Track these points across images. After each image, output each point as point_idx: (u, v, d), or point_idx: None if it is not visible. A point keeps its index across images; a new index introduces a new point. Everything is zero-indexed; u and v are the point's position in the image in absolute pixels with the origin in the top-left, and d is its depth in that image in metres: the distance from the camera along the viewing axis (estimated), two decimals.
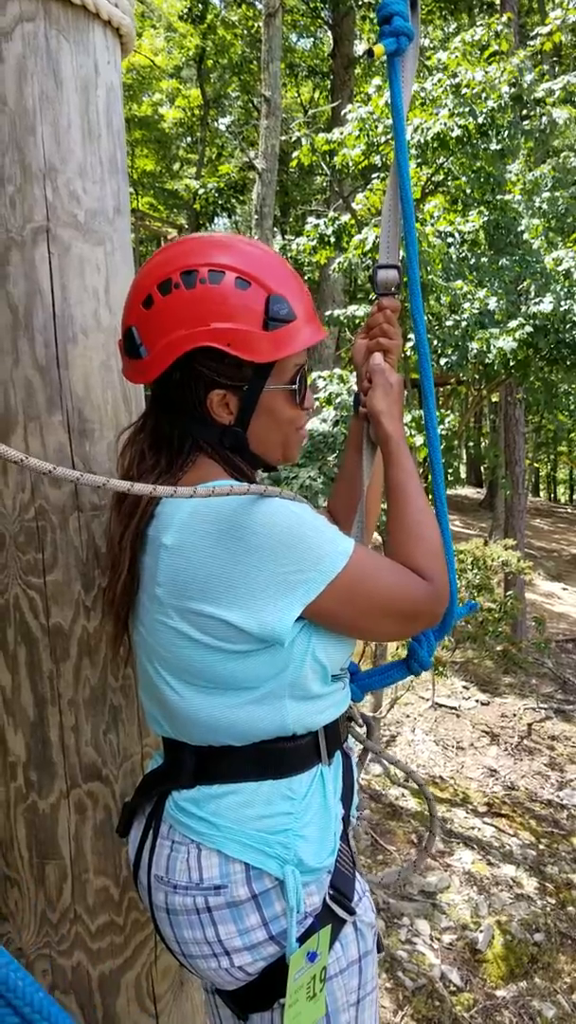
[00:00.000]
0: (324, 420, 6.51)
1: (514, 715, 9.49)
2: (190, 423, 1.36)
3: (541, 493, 35.69)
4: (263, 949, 1.31)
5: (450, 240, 7.35)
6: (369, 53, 1.56)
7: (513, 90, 6.91)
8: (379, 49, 1.50)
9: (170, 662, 1.32)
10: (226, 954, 1.31)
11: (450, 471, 7.33)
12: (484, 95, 6.59)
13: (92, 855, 1.61)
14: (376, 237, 6.81)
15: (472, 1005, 5.19)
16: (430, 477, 1.58)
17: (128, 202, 1.68)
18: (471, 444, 22.01)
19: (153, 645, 1.34)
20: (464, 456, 24.20)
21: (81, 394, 1.55)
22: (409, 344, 6.60)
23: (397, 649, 7.33)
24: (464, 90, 6.61)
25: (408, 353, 6.89)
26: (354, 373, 1.70)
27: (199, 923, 1.31)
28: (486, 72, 6.73)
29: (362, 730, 1.61)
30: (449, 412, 7.78)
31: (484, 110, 6.61)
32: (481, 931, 5.75)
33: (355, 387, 1.66)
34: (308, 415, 1.47)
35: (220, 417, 1.35)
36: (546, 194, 8.26)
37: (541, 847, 7.13)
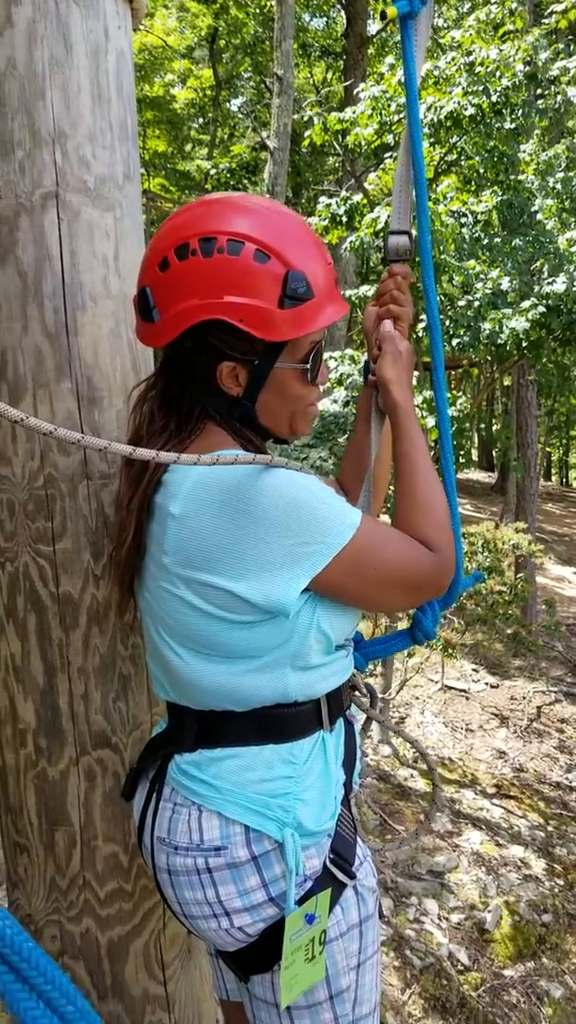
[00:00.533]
0: (335, 401, 6.50)
1: (523, 698, 9.49)
2: (199, 391, 1.36)
3: (553, 478, 35.58)
4: (263, 910, 1.32)
5: (463, 220, 7.29)
6: (382, 15, 1.54)
7: (528, 68, 6.83)
8: (392, 11, 1.48)
9: (175, 629, 1.32)
10: (226, 915, 1.32)
11: (462, 452, 7.30)
12: (498, 73, 6.52)
13: (101, 822, 1.61)
14: (388, 216, 6.76)
15: (480, 984, 5.21)
16: (439, 453, 1.57)
17: (139, 169, 1.67)
18: (483, 426, 21.92)
19: (158, 611, 1.35)
20: (476, 440, 24.12)
21: (90, 361, 1.54)
22: (421, 326, 6.56)
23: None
24: (478, 68, 6.53)
25: (420, 334, 6.86)
26: (366, 353, 1.68)
27: (199, 884, 1.32)
28: (500, 50, 6.66)
29: (365, 699, 1.61)
30: (461, 394, 7.75)
31: (498, 89, 6.54)
32: (489, 911, 5.77)
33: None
34: (320, 392, 1.45)
35: (229, 389, 1.34)
36: (560, 174, 8.18)
37: (550, 828, 7.15)
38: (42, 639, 1.58)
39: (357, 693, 1.59)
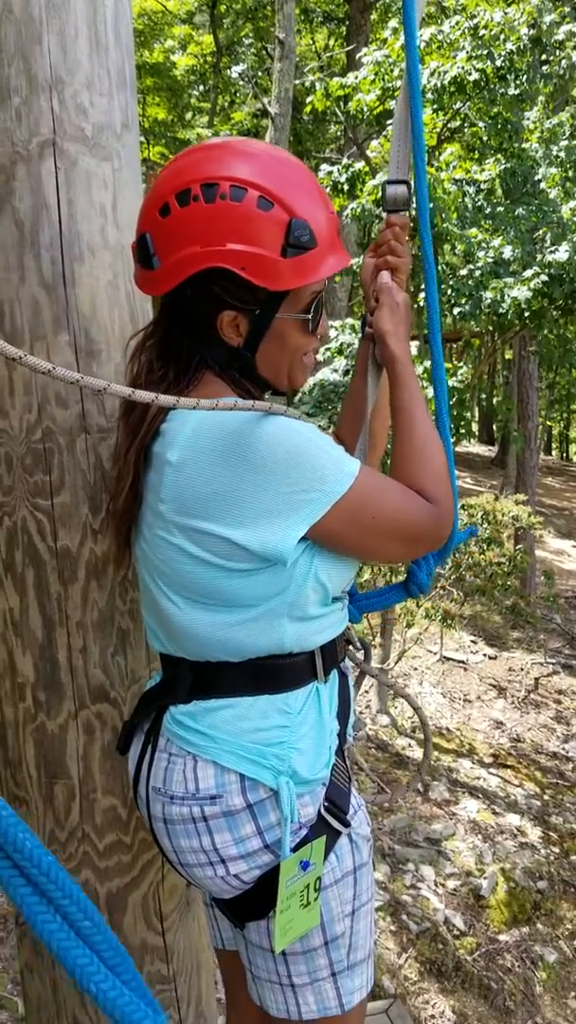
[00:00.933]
0: (335, 370, 6.47)
1: (521, 669, 9.53)
2: (198, 341, 1.35)
3: (553, 452, 35.53)
4: (258, 857, 1.33)
5: (466, 189, 7.22)
6: None
7: (532, 32, 6.73)
8: None
9: (171, 578, 1.32)
10: (222, 862, 1.33)
11: (462, 424, 7.27)
12: (503, 37, 6.42)
13: (100, 775, 1.62)
14: None
15: (475, 949, 5.28)
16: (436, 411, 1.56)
17: (137, 118, 1.65)
18: (483, 397, 21.84)
19: (154, 561, 1.34)
20: (476, 412, 24.04)
21: (88, 313, 1.53)
22: (421, 296, 6.51)
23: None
24: (482, 32, 6.44)
25: (421, 304, 6.81)
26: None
27: (195, 832, 1.33)
28: (505, 13, 6.56)
29: (359, 653, 1.61)
30: (462, 365, 7.71)
31: (502, 53, 6.45)
32: (485, 878, 5.83)
33: None
34: (319, 343, 1.44)
35: (230, 339, 1.33)
36: (564, 142, 8.09)
37: (546, 798, 7.20)
38: (40, 593, 1.57)
39: (351, 647, 1.59)
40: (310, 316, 1.34)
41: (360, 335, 1.59)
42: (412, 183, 1.54)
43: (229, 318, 1.31)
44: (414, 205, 1.53)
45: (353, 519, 1.26)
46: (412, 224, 1.62)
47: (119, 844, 1.65)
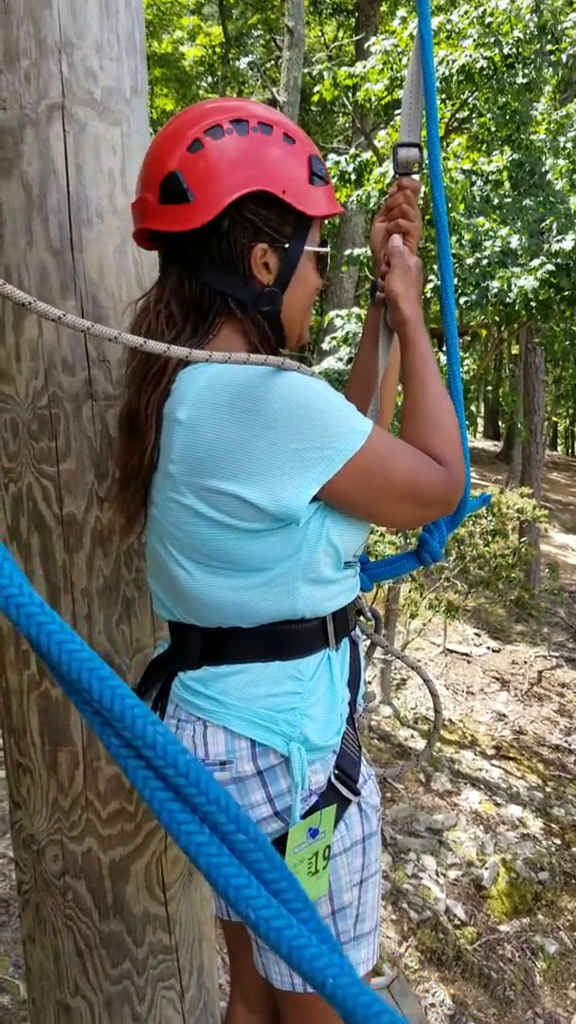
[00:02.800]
0: (340, 359, 6.46)
1: (524, 662, 9.53)
2: (226, 280, 1.33)
3: (559, 448, 35.48)
4: (268, 825, 1.32)
5: (473, 179, 7.20)
6: None
7: (538, 19, 6.70)
8: None
9: (182, 541, 1.31)
10: None
11: (467, 417, 7.25)
12: (511, 24, 6.40)
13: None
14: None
15: (475, 938, 5.28)
16: (446, 371, 1.55)
17: (146, 84, 1.64)
18: (489, 389, 21.77)
19: (165, 525, 1.33)
20: (482, 408, 23.99)
21: (95, 279, 1.52)
22: (430, 286, 6.50)
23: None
24: (488, 20, 6.42)
25: (428, 295, 6.79)
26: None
27: None
28: (512, 1, 6.54)
29: (370, 624, 1.61)
30: (467, 356, 7.69)
31: (510, 41, 6.42)
32: (486, 868, 5.83)
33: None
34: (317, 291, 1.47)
35: (260, 275, 1.33)
36: (572, 133, 8.06)
37: (548, 790, 7.21)
38: (46, 560, 1.57)
39: (362, 617, 1.59)
40: (327, 249, 1.41)
41: (371, 299, 1.59)
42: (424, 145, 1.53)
43: (261, 252, 1.32)
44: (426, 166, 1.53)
45: (365, 479, 1.26)
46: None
47: (122, 812, 1.65)
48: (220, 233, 1.30)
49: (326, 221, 1.43)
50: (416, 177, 1.55)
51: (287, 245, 1.33)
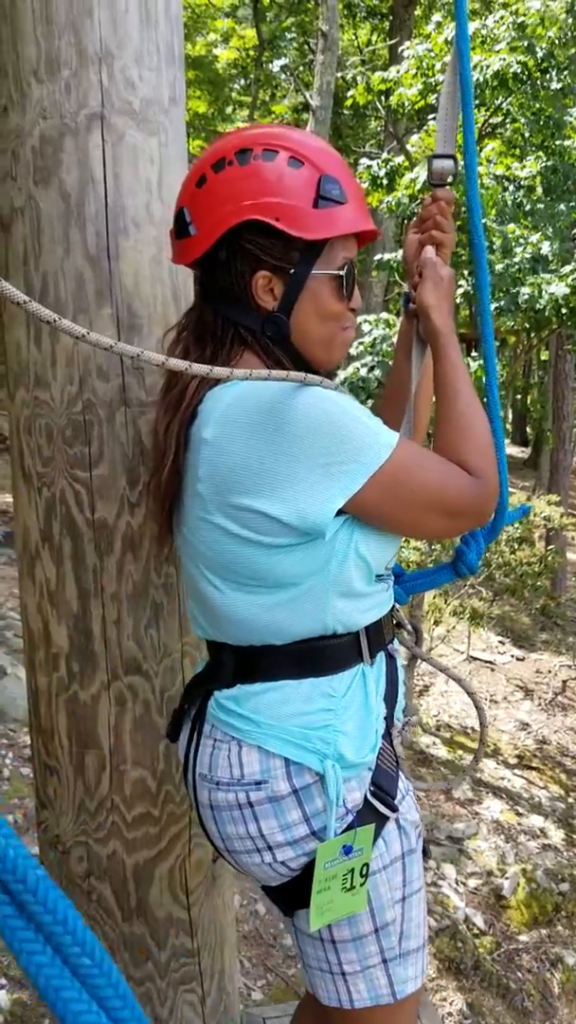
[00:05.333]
0: (366, 365, 6.45)
1: (549, 671, 9.46)
2: (233, 309, 1.34)
3: None
4: (305, 844, 1.31)
5: (506, 184, 7.16)
6: None
7: (573, 20, 6.67)
8: None
9: (212, 560, 1.31)
10: (268, 849, 1.31)
11: None
12: (544, 26, 6.38)
13: (130, 746, 1.63)
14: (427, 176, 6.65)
15: (494, 948, 5.25)
16: (484, 379, 1.54)
17: (184, 94, 1.65)
18: (518, 396, 21.63)
19: (196, 544, 1.33)
20: (510, 414, 23.84)
21: (131, 288, 1.54)
22: (460, 291, 6.47)
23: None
24: (520, 19, 6.40)
25: (458, 302, 6.76)
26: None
27: (241, 818, 1.32)
28: (547, 5, 6.51)
29: (410, 637, 1.60)
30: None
31: (543, 45, 6.40)
32: (507, 878, 5.80)
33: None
34: (355, 317, 1.44)
35: (264, 302, 1.33)
36: None
37: (570, 800, 7.15)
38: (77, 564, 1.59)
39: (401, 629, 1.58)
40: (342, 274, 1.35)
41: (404, 310, 1.59)
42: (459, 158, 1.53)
43: (264, 280, 1.31)
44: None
45: (392, 492, 1.25)
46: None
47: (147, 816, 1.66)
48: (220, 264, 1.32)
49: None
50: (450, 189, 1.55)
51: (292, 270, 1.31)
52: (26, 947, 0.64)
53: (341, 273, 1.35)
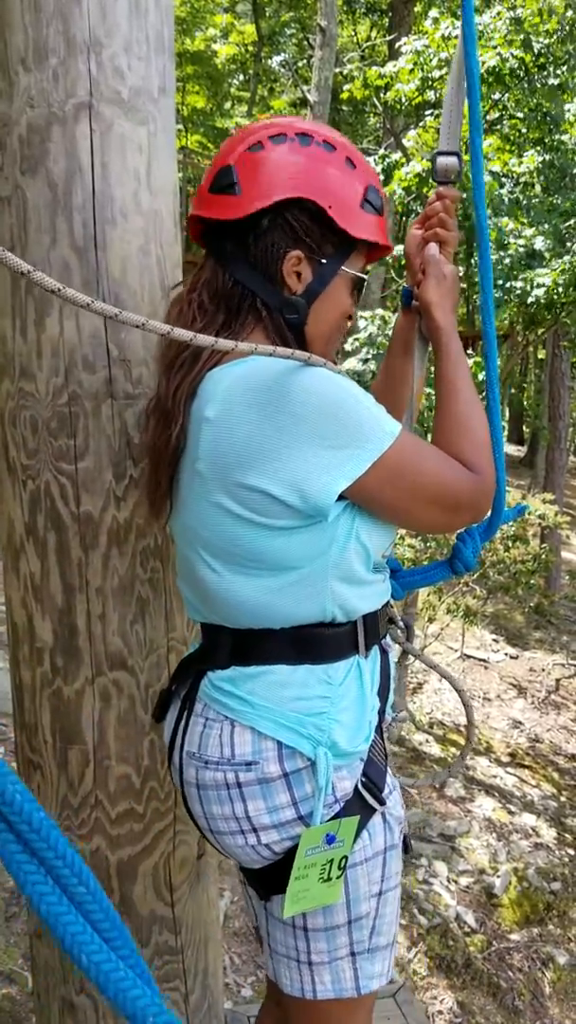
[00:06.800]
0: (361, 360, 6.46)
1: (542, 670, 9.47)
2: (255, 279, 1.34)
3: None
4: (290, 828, 1.31)
5: (503, 180, 7.16)
6: None
7: (570, 15, 6.66)
8: None
9: (211, 542, 1.30)
10: (253, 831, 1.31)
11: None
12: (541, 18, 6.38)
13: (115, 742, 1.62)
14: (423, 170, 6.65)
15: (485, 947, 5.26)
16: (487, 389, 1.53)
17: (174, 84, 1.64)
18: (513, 391, 21.66)
19: (194, 527, 1.32)
20: (506, 412, 23.85)
21: (118, 278, 1.52)
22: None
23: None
24: (518, 11, 6.40)
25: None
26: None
27: (228, 798, 1.31)
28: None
29: (402, 633, 1.60)
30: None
31: (540, 40, 6.39)
32: (498, 876, 5.80)
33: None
34: (353, 318, 1.46)
35: (290, 282, 1.33)
36: None
37: (562, 799, 7.16)
38: (61, 558, 1.57)
39: (393, 625, 1.58)
40: (365, 278, 1.41)
41: (404, 306, 1.58)
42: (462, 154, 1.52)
43: (295, 260, 1.32)
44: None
45: (393, 480, 1.25)
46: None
47: (131, 812, 1.65)
48: (259, 231, 1.32)
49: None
50: (454, 186, 1.54)
51: (323, 260, 1.34)
52: (31, 878, 0.77)
53: (364, 276, 1.40)
